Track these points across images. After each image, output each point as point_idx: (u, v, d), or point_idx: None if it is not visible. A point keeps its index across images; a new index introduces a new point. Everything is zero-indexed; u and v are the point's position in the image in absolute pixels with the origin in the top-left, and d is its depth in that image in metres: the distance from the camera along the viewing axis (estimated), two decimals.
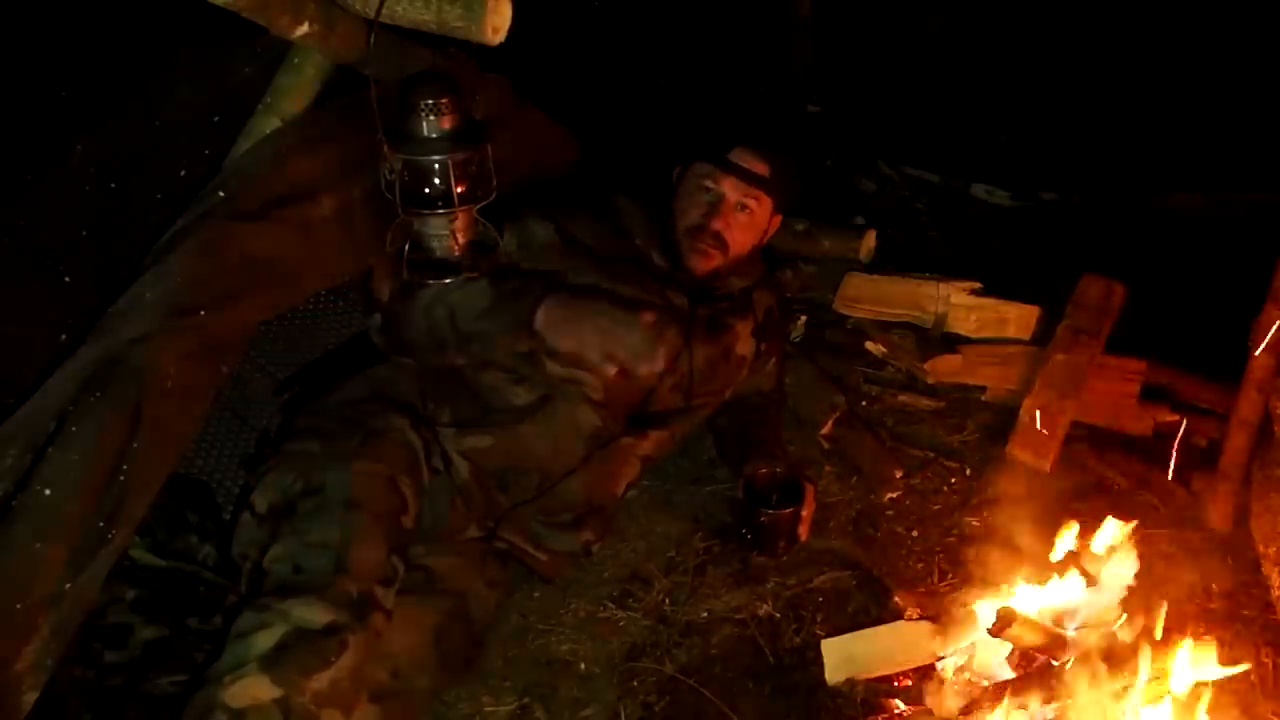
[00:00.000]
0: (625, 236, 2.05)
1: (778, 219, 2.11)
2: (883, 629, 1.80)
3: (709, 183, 1.99)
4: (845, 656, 1.75)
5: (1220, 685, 1.60)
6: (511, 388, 1.85)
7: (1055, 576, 1.75)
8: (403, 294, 1.80)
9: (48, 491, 1.33)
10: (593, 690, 1.74)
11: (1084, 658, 1.64)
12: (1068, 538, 1.80)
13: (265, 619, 1.41)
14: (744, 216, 2.01)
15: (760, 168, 1.98)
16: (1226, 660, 1.67)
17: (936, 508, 2.14)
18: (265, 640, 1.39)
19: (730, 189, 1.99)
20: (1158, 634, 1.64)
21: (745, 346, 2.12)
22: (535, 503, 1.85)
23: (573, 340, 1.77)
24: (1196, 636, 1.65)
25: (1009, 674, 1.69)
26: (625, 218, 2.07)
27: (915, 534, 2.07)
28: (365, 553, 1.52)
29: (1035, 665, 1.68)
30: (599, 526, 1.96)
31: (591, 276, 1.92)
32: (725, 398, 2.17)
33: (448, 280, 1.71)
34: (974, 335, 2.68)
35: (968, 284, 2.71)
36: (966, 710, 1.63)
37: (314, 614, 1.42)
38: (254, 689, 1.36)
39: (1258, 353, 1.89)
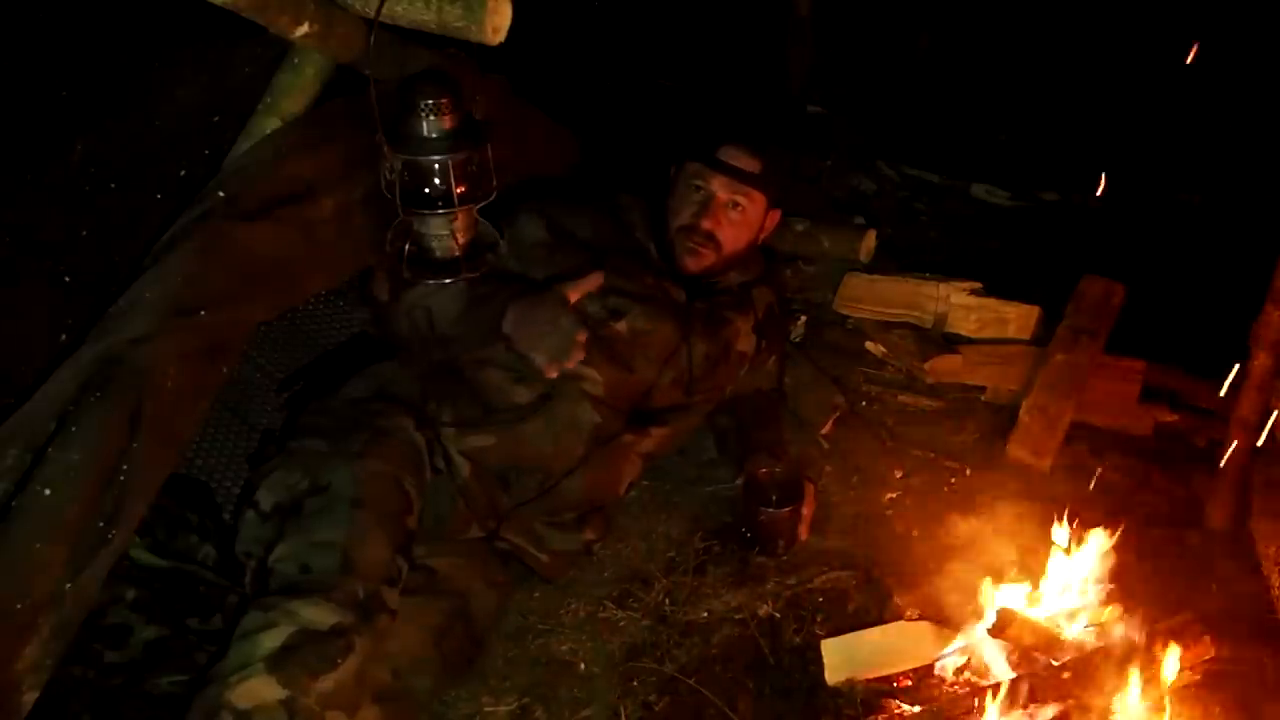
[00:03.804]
0: (627, 231, 2.06)
1: (775, 215, 2.10)
2: (883, 629, 1.80)
3: (699, 181, 2.00)
4: (845, 656, 1.75)
5: (1220, 685, 1.60)
6: (513, 386, 1.85)
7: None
8: (391, 297, 1.82)
9: (48, 491, 1.33)
10: (593, 690, 1.74)
11: (1083, 657, 1.64)
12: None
13: (271, 619, 1.41)
14: (735, 214, 2.01)
15: (750, 164, 1.98)
16: (1226, 660, 1.68)
17: (936, 508, 2.14)
18: (271, 640, 1.39)
19: (720, 187, 1.99)
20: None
21: (746, 343, 2.12)
22: (537, 502, 1.85)
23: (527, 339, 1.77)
24: (1196, 637, 1.66)
25: (1009, 674, 1.69)
26: (627, 214, 2.08)
27: (915, 534, 2.07)
28: (371, 553, 1.52)
29: (1035, 665, 1.68)
30: (601, 525, 1.96)
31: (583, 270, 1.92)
32: (726, 394, 2.17)
33: (448, 280, 1.71)
34: (974, 335, 2.68)
35: (968, 284, 2.72)
36: (966, 710, 1.63)
37: (321, 615, 1.42)
38: (260, 689, 1.35)
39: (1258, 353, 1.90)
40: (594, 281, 1.84)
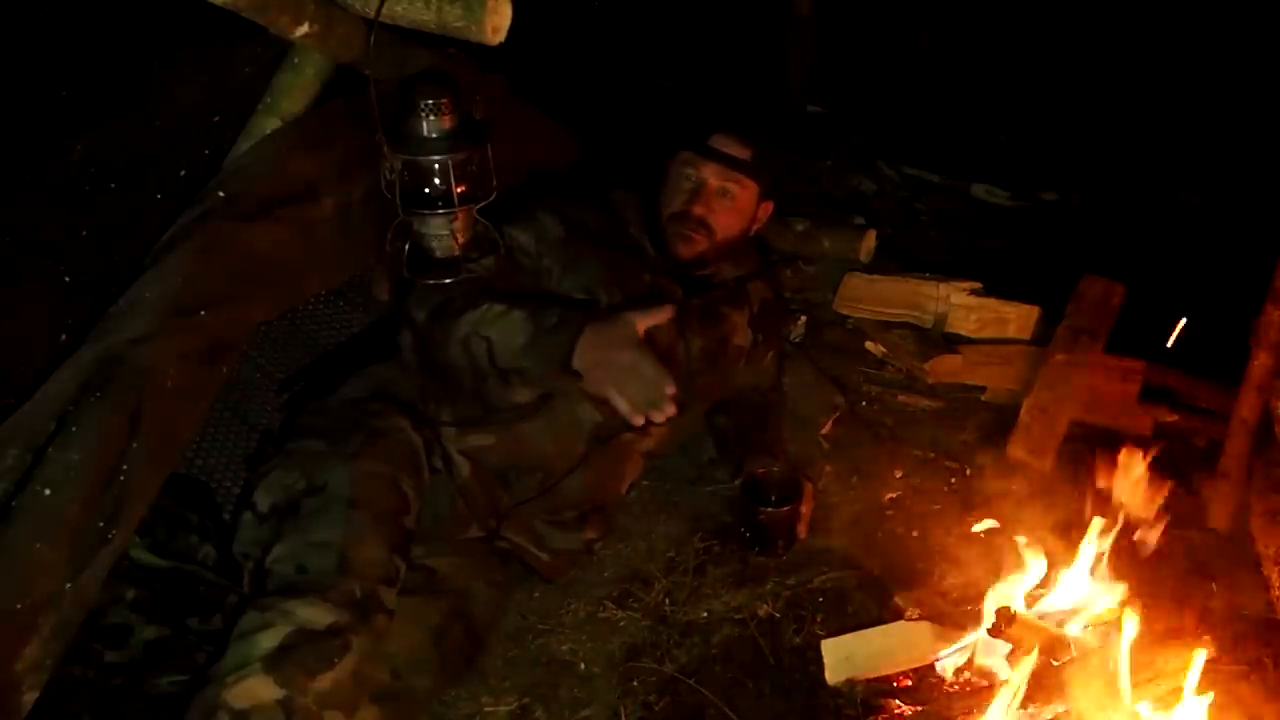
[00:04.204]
0: (622, 227, 2.06)
1: (768, 206, 2.11)
2: (883, 629, 1.80)
3: (690, 170, 2.01)
4: (845, 656, 1.75)
5: (1220, 685, 1.60)
6: (513, 386, 1.85)
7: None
8: (434, 319, 1.78)
9: (48, 491, 1.33)
10: (593, 690, 1.74)
11: (1083, 657, 1.64)
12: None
13: (268, 619, 1.41)
14: (727, 202, 2.02)
15: (741, 152, 2.00)
16: (1226, 660, 1.68)
17: (936, 508, 2.14)
18: (269, 640, 1.39)
19: (711, 174, 2.00)
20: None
21: (742, 337, 2.12)
22: (538, 501, 1.85)
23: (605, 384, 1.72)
24: (1196, 637, 1.66)
25: (1009, 674, 1.69)
26: (621, 209, 2.09)
27: (915, 534, 2.07)
28: (368, 552, 1.52)
29: (1035, 665, 1.68)
30: (602, 524, 1.96)
31: (594, 265, 1.93)
32: (724, 390, 2.17)
33: (447, 280, 1.71)
34: (974, 335, 2.68)
35: (968, 284, 2.72)
36: (966, 710, 1.63)
37: (317, 614, 1.42)
38: (257, 689, 1.36)
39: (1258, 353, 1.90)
40: (666, 314, 1.79)
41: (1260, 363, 1.89)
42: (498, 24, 1.63)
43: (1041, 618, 1.72)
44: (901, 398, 2.51)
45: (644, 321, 1.75)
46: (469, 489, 1.79)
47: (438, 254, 1.69)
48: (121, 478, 1.39)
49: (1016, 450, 2.27)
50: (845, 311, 2.77)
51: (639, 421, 1.70)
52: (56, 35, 1.82)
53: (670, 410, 1.69)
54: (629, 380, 1.69)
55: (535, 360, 1.74)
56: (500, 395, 1.84)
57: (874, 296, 2.76)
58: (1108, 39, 4.08)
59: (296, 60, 1.71)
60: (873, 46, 4.24)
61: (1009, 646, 1.70)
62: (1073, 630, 1.71)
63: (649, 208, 2.07)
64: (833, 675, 1.73)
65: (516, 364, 1.75)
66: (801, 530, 2.00)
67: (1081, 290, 2.63)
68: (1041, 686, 1.62)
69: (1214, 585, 1.88)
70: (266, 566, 1.52)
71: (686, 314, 2.01)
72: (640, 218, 2.08)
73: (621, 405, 1.69)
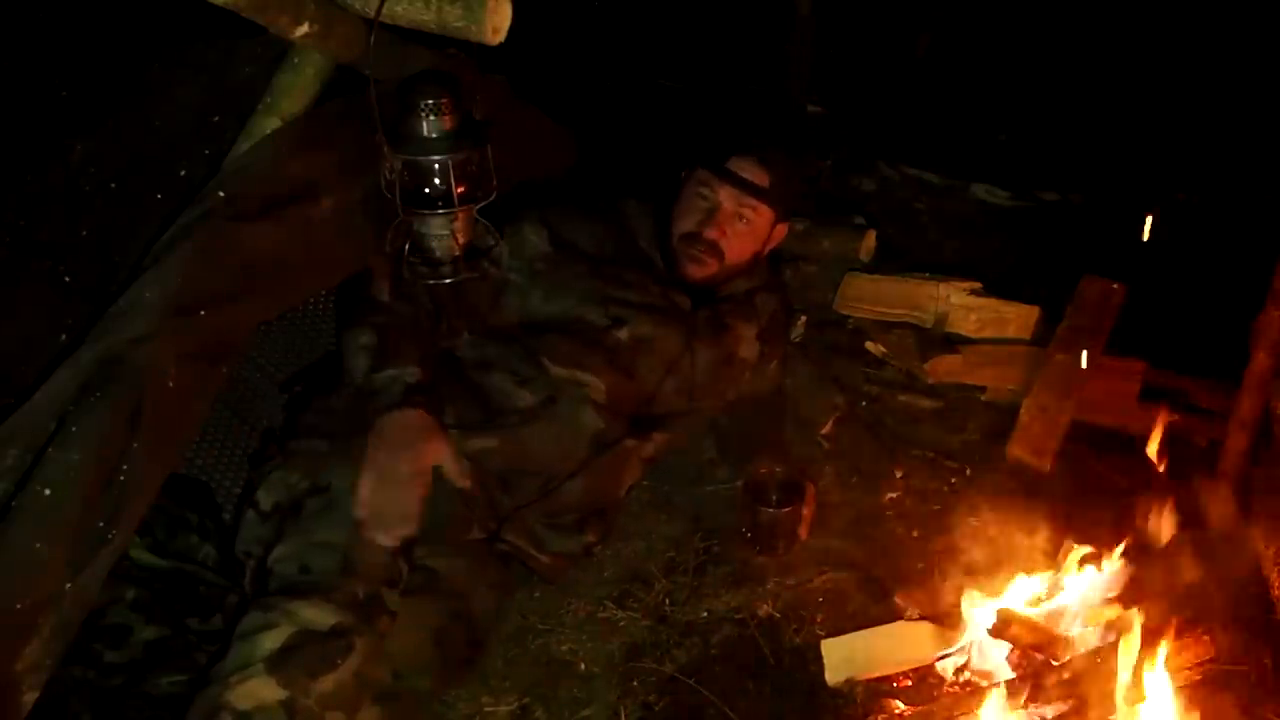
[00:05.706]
0: (630, 239, 2.04)
1: (782, 229, 2.09)
2: (883, 629, 1.81)
3: (706, 190, 1.98)
4: (845, 656, 1.75)
5: (1220, 685, 1.60)
6: (516, 390, 1.84)
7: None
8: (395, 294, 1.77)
9: (48, 491, 1.33)
10: (593, 690, 1.74)
11: (1083, 657, 1.64)
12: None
13: (271, 619, 1.41)
14: (741, 226, 1.99)
15: (760, 177, 1.97)
16: (1226, 660, 1.68)
17: (936, 508, 2.14)
18: (271, 641, 1.39)
19: (727, 198, 1.97)
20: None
21: (749, 350, 2.11)
22: (538, 504, 1.85)
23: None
24: (1196, 637, 1.66)
25: (1009, 674, 1.69)
26: (631, 220, 2.07)
27: (915, 534, 2.07)
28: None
29: (1035, 665, 1.68)
30: (601, 528, 1.96)
31: (586, 283, 1.92)
32: (727, 400, 2.17)
33: (448, 280, 1.71)
34: (974, 335, 2.68)
35: (968, 284, 2.72)
36: (966, 710, 1.63)
37: (321, 615, 1.42)
38: (260, 690, 1.36)
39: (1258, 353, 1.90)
40: (461, 479, 1.69)
41: (1260, 363, 1.89)
42: (498, 24, 1.62)
43: (1041, 617, 1.72)
44: (901, 398, 2.51)
45: (439, 453, 1.65)
46: (471, 491, 1.79)
47: (438, 254, 1.69)
48: (121, 478, 1.39)
49: (1016, 450, 2.27)
50: (845, 311, 2.77)
51: (360, 514, 1.55)
52: (56, 35, 1.82)
53: (384, 541, 1.54)
54: (382, 484, 1.58)
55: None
56: (503, 398, 1.84)
57: (874, 296, 2.76)
58: (1107, 40, 4.07)
59: (296, 60, 1.71)
60: (873, 46, 4.24)
61: (1009, 646, 1.70)
62: (1073, 630, 1.71)
63: (660, 220, 2.05)
64: (833, 675, 1.73)
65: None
66: (802, 531, 2.00)
67: (1081, 290, 2.63)
68: (1042, 687, 1.62)
69: (1214, 585, 1.88)
70: (269, 566, 1.52)
71: (695, 326, 2.00)
72: (651, 230, 2.06)
73: (360, 493, 1.56)
